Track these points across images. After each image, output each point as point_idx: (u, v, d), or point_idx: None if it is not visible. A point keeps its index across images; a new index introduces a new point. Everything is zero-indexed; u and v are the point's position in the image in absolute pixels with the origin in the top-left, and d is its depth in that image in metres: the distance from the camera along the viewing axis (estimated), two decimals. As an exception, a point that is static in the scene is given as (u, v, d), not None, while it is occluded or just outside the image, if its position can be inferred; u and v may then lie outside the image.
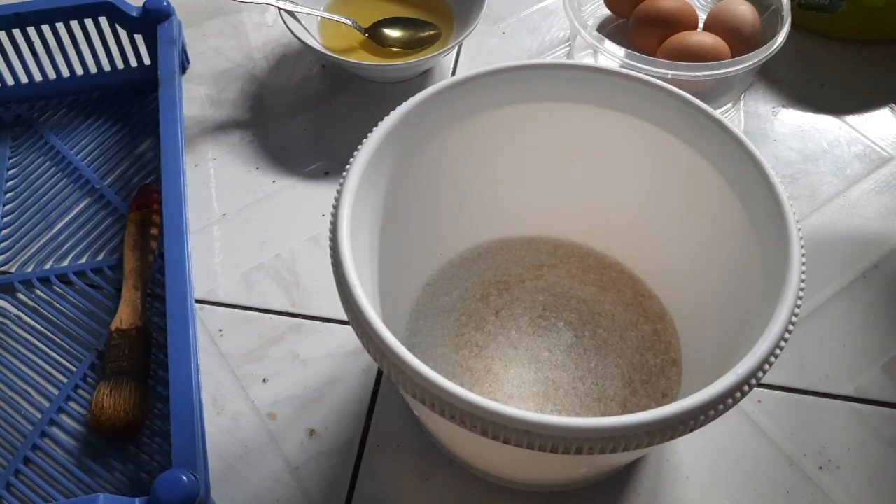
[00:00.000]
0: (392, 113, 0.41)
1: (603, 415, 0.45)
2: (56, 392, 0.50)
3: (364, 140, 0.40)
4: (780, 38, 0.60)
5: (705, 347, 0.44)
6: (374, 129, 0.41)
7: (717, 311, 0.43)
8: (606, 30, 0.71)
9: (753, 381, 0.32)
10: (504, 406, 0.30)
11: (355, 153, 0.40)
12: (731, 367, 0.32)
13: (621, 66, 0.57)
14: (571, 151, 0.47)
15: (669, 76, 0.58)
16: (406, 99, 0.42)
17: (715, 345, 0.42)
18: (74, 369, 0.51)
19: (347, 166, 0.40)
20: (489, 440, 0.31)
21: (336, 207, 0.38)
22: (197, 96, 0.67)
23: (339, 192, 0.39)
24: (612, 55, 0.60)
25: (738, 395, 0.32)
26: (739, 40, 0.62)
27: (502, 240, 0.53)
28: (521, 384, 0.47)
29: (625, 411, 0.46)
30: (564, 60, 0.44)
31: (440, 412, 0.31)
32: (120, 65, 0.65)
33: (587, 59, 0.67)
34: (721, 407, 0.31)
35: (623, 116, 0.44)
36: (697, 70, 0.58)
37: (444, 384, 0.31)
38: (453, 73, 0.68)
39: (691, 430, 0.31)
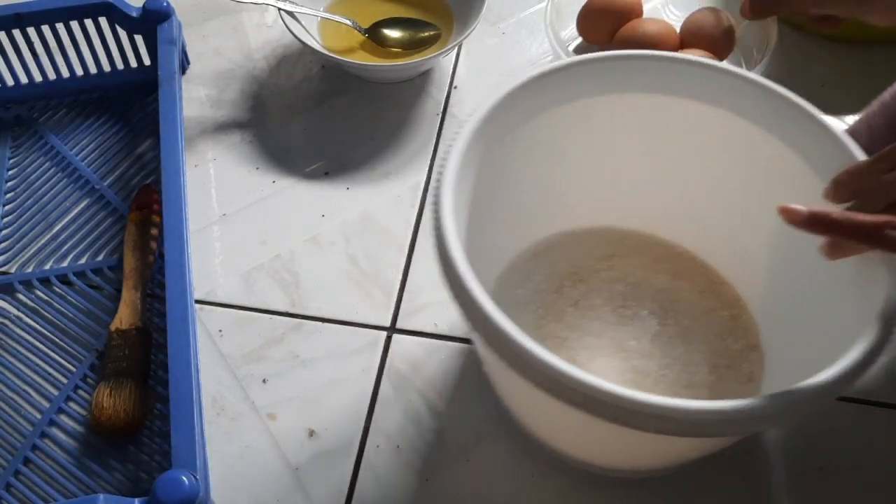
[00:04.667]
0: (484, 105, 0.42)
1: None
2: (56, 392, 0.50)
3: (458, 131, 0.41)
4: (771, 44, 0.60)
5: (787, 331, 0.45)
6: (466, 122, 0.41)
7: (797, 296, 0.43)
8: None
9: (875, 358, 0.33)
10: (642, 394, 0.31)
11: (450, 147, 0.40)
12: (826, 349, 0.33)
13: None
14: (643, 142, 0.48)
15: None
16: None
17: (798, 328, 0.42)
18: (74, 370, 0.51)
19: (441, 163, 0.40)
20: (609, 426, 0.31)
21: (436, 206, 0.38)
22: (197, 96, 0.67)
23: (436, 190, 0.38)
24: None
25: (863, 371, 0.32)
26: (710, 45, 0.62)
27: (569, 232, 0.53)
28: (607, 374, 0.47)
29: (713, 397, 0.46)
30: (641, 51, 0.45)
31: (568, 401, 0.32)
32: (120, 65, 0.65)
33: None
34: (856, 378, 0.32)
35: (700, 105, 0.44)
36: None
37: (577, 374, 0.31)
38: (453, 74, 0.68)
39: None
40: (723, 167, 0.46)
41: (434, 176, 0.39)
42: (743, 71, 0.43)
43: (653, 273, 0.51)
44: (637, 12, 0.64)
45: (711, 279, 0.51)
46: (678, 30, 0.64)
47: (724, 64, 0.43)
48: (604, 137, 0.47)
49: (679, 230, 0.52)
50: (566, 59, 0.44)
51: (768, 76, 0.61)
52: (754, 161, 0.44)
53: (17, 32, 0.61)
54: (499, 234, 0.48)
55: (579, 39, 0.69)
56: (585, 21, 0.66)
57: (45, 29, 0.62)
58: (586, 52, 0.69)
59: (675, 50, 0.64)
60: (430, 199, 0.38)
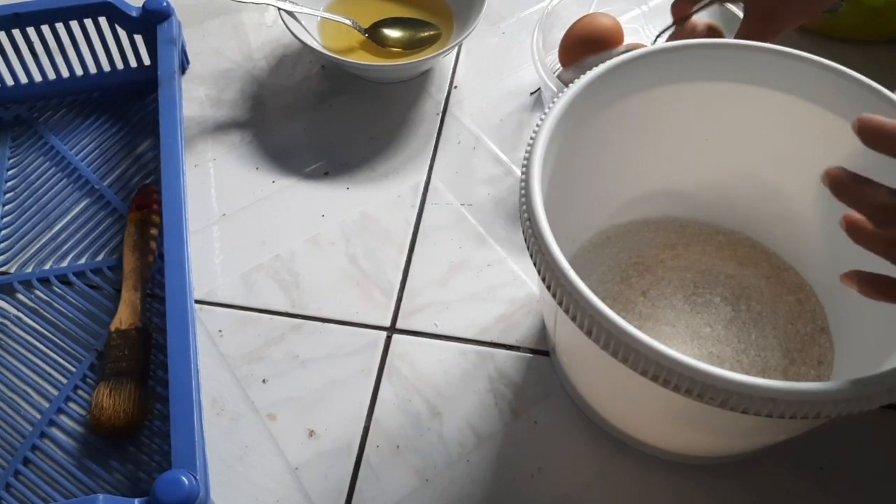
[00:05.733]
0: (566, 93, 0.42)
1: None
2: (55, 393, 0.50)
3: (544, 116, 0.41)
4: None
5: (853, 314, 0.45)
6: (553, 106, 0.42)
7: None
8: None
9: None
10: (750, 377, 0.31)
11: (535, 132, 0.41)
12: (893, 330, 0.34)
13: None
14: (707, 130, 0.48)
15: None
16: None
17: (864, 311, 0.42)
18: (74, 370, 0.51)
19: (530, 142, 0.40)
20: (704, 407, 0.32)
21: (525, 193, 0.38)
22: (197, 96, 0.67)
23: (524, 176, 0.39)
24: None
25: None
26: None
27: (626, 223, 0.53)
28: None
29: (787, 379, 0.46)
30: (711, 40, 0.45)
31: (673, 386, 0.32)
32: (120, 65, 0.65)
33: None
34: None
35: (770, 92, 0.45)
36: None
37: (685, 360, 0.32)
38: (453, 74, 0.68)
39: None
40: (786, 153, 0.47)
41: (523, 158, 0.40)
42: (813, 56, 0.43)
43: (719, 260, 0.52)
44: (618, 40, 0.62)
45: (775, 265, 0.52)
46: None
47: (793, 50, 0.44)
48: (666, 128, 0.48)
49: (739, 218, 0.52)
50: (643, 50, 0.44)
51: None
52: (819, 145, 0.44)
53: (16, 32, 0.61)
54: (564, 225, 0.49)
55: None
56: (566, 50, 0.64)
57: (45, 29, 0.62)
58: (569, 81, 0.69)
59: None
60: (520, 180, 0.39)
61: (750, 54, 0.44)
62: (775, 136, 0.47)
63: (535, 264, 0.37)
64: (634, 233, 0.53)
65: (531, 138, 0.41)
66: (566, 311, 0.35)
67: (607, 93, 0.44)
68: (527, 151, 0.40)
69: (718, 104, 0.46)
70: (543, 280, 0.37)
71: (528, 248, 0.38)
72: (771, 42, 0.45)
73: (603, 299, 0.48)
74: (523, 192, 0.39)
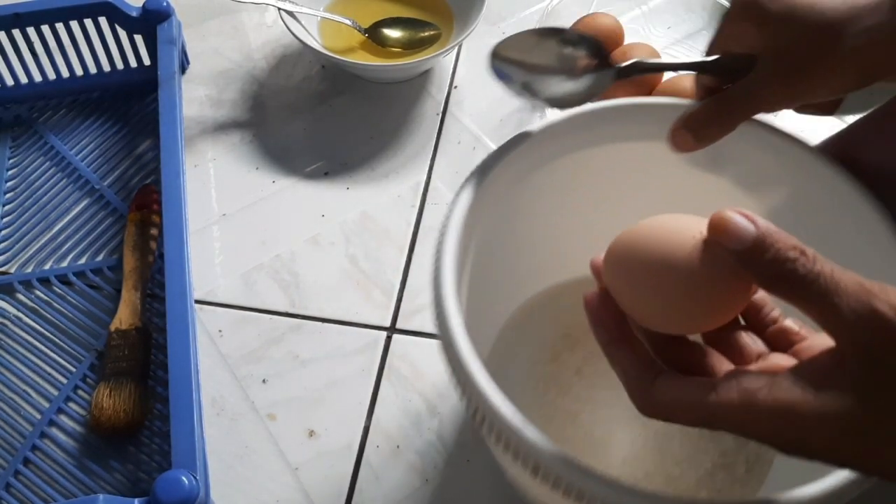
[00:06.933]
0: (491, 155, 0.39)
1: (722, 455, 0.43)
2: (55, 393, 0.50)
3: (458, 192, 0.37)
4: None
5: None
6: (463, 185, 0.37)
7: None
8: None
9: None
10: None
11: (451, 206, 0.37)
12: None
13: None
14: (633, 189, 0.43)
15: None
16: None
17: None
18: (74, 370, 0.51)
19: (444, 220, 0.37)
20: None
21: (438, 297, 0.34)
22: (197, 96, 0.67)
23: (436, 258, 0.35)
24: None
25: None
26: None
27: (547, 291, 0.49)
28: (631, 444, 0.44)
29: (738, 443, 0.43)
30: (647, 99, 0.41)
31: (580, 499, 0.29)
32: (120, 65, 0.65)
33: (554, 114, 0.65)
34: None
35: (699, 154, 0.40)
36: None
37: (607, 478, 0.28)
38: (453, 74, 0.68)
39: None
40: (709, 209, 0.43)
41: (433, 259, 0.36)
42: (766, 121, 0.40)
43: None
44: (618, 40, 0.62)
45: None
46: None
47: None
48: (594, 189, 0.44)
49: None
50: (554, 117, 0.40)
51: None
52: (742, 204, 0.41)
53: (16, 32, 0.61)
54: (482, 310, 0.43)
55: None
56: None
57: (45, 29, 0.62)
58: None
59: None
60: (430, 283, 0.35)
61: (670, 113, 0.39)
62: (699, 192, 0.41)
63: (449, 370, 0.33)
64: (558, 300, 0.48)
65: (443, 225, 0.36)
66: (473, 418, 0.32)
67: (525, 162, 0.40)
68: (438, 243, 0.36)
69: (642, 165, 0.42)
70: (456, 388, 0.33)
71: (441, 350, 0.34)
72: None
73: (535, 385, 0.45)
74: (435, 291, 0.34)
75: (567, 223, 0.45)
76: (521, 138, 0.39)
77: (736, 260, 0.26)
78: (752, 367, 0.28)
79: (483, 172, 0.38)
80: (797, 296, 0.25)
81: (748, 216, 0.26)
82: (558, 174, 0.42)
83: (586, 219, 0.44)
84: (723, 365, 0.29)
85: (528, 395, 0.46)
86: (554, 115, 0.40)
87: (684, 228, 0.29)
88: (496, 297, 0.46)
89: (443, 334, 0.33)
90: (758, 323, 0.31)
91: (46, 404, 0.50)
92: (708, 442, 0.44)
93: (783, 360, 0.28)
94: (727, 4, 0.58)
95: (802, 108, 0.40)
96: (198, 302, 0.55)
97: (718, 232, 0.26)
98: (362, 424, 0.49)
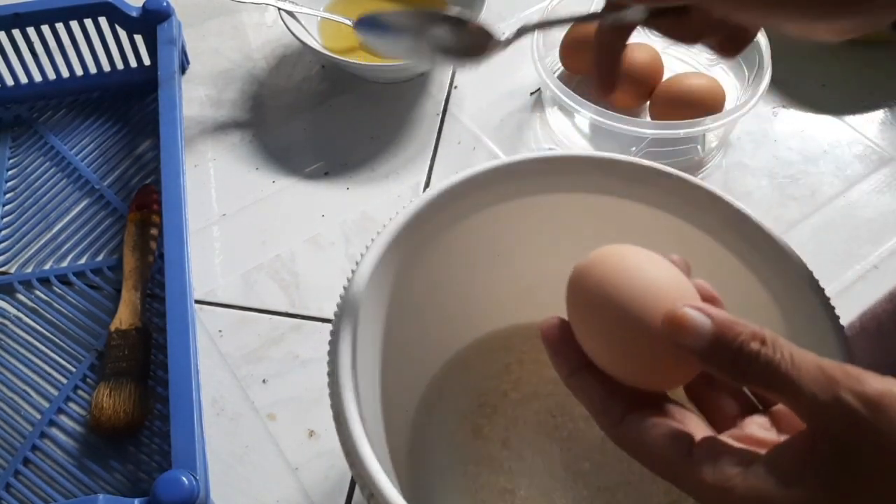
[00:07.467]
0: (397, 217, 0.37)
1: (667, 493, 0.41)
2: (55, 393, 0.50)
3: (366, 248, 0.36)
4: (761, 88, 0.58)
5: None
6: (376, 239, 0.36)
7: None
8: (573, 83, 0.65)
9: None
10: None
11: (356, 266, 0.35)
12: None
13: (603, 124, 0.55)
14: (569, 241, 0.39)
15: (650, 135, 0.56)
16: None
17: None
18: (74, 370, 0.51)
19: (344, 286, 0.35)
20: None
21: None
22: (197, 96, 0.67)
23: (333, 335, 0.33)
24: (594, 115, 0.57)
25: None
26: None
27: (450, 362, 0.45)
28: None
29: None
30: (575, 152, 0.39)
31: None
32: (120, 65, 0.65)
33: (555, 114, 0.63)
34: None
35: (635, 205, 0.39)
36: (678, 128, 0.56)
37: None
38: (453, 74, 0.68)
39: None
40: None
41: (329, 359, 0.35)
42: (685, 176, 0.38)
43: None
44: None
45: None
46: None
47: (661, 166, 0.38)
48: (474, 254, 0.41)
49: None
50: (457, 177, 0.38)
51: (770, 78, 0.61)
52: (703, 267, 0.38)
53: (16, 32, 0.61)
54: (390, 397, 0.39)
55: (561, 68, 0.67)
56: (567, 51, 0.65)
57: (45, 29, 0.62)
58: (569, 80, 0.65)
59: (660, 71, 0.62)
60: (328, 385, 0.34)
61: (621, 168, 0.38)
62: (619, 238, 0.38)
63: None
64: (464, 369, 0.44)
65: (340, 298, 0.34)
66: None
67: (434, 222, 0.38)
68: (332, 334, 0.34)
69: (582, 216, 0.40)
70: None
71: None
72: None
73: (465, 468, 0.42)
74: (334, 400, 0.32)
75: (470, 285, 0.42)
76: (424, 201, 0.37)
77: (696, 358, 0.25)
78: (728, 436, 0.27)
79: (389, 237, 0.36)
80: (763, 387, 0.24)
81: (702, 310, 0.25)
82: (461, 237, 0.39)
83: (488, 277, 0.42)
84: (691, 421, 0.27)
85: (458, 480, 0.42)
86: (456, 176, 0.38)
87: (650, 277, 0.27)
88: (408, 374, 0.42)
89: (344, 443, 0.31)
90: None
91: (46, 404, 0.50)
92: (650, 485, 0.42)
93: (759, 432, 0.27)
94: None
95: (700, 38, 0.36)
96: (198, 302, 0.55)
97: (674, 330, 0.25)
98: (362, 424, 0.49)
